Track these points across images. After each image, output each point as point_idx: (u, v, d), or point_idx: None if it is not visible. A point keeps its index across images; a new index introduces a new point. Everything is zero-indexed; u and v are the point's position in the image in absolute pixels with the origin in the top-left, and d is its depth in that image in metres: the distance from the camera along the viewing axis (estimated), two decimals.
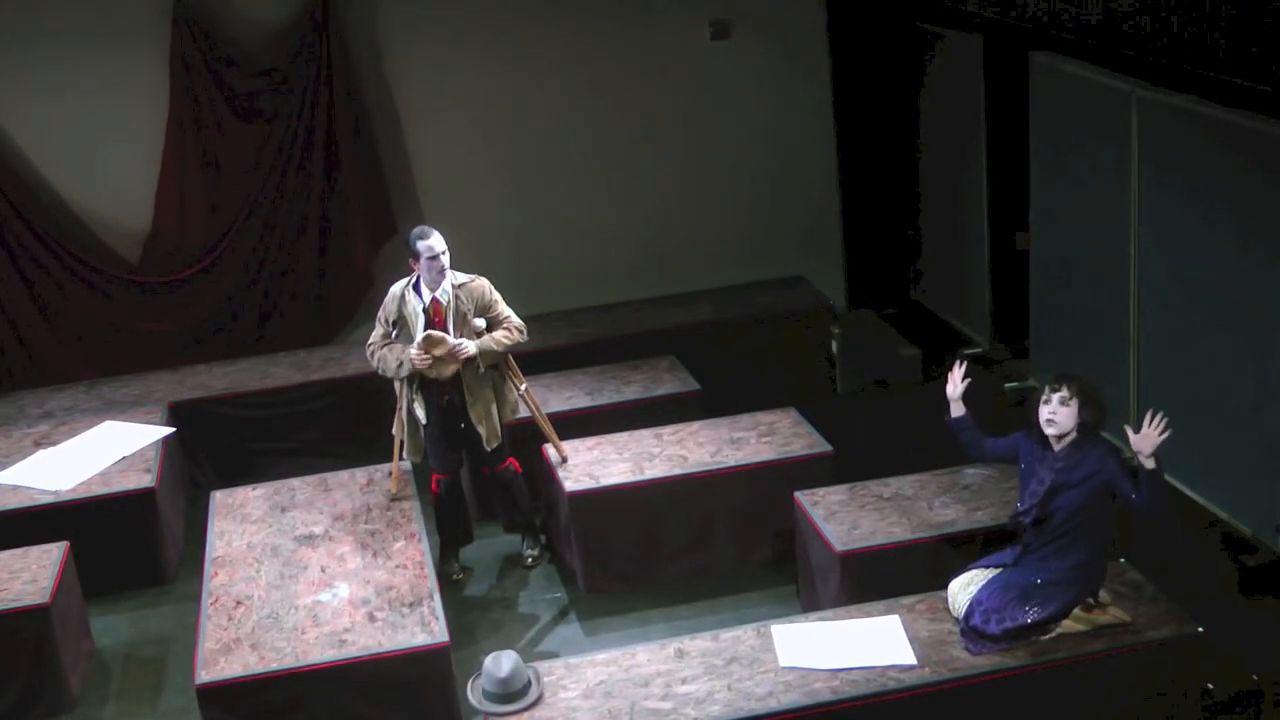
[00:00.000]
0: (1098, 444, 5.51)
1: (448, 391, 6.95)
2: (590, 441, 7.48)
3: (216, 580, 6.48)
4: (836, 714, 5.31)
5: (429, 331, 6.76)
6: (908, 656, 5.50)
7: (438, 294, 6.83)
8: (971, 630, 5.54)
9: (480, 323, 6.92)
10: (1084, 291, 7.98)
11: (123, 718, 6.54)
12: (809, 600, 6.73)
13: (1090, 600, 5.60)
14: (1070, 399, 5.49)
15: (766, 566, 7.22)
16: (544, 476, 7.48)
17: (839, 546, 6.31)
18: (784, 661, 5.53)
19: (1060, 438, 5.53)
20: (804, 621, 5.82)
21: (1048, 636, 5.51)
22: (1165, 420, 5.26)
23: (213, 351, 9.16)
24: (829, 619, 5.80)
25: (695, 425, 7.58)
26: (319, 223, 9.20)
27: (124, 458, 7.68)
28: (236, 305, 9.27)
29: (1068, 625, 5.54)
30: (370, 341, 7.03)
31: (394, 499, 7.10)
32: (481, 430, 6.99)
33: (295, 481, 7.39)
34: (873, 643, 5.59)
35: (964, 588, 5.69)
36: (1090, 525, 5.49)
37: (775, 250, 9.83)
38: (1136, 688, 5.52)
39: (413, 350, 6.76)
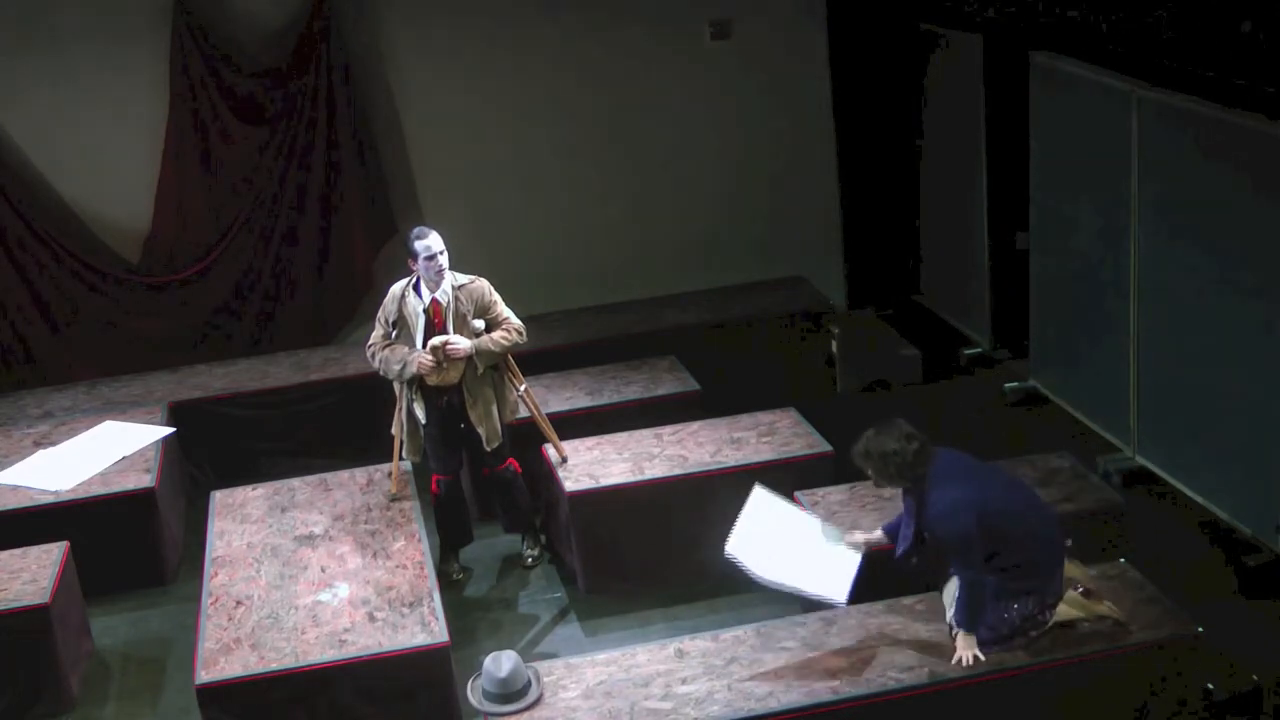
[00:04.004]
0: (938, 492, 5.38)
1: (447, 392, 6.96)
2: (590, 441, 7.47)
3: (216, 580, 6.48)
4: (836, 714, 5.31)
5: (432, 341, 6.77)
6: (841, 595, 5.54)
7: (437, 295, 6.83)
8: None
9: (480, 324, 6.92)
10: (1084, 291, 7.98)
11: (122, 718, 6.54)
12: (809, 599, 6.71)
13: (1086, 588, 5.57)
14: (870, 474, 5.52)
15: None
16: (544, 476, 7.48)
17: None
18: (730, 549, 5.61)
19: (905, 492, 5.56)
20: (781, 506, 5.93)
21: (1045, 627, 5.47)
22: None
23: (213, 351, 9.15)
24: (829, 617, 5.79)
25: (695, 425, 7.57)
26: (319, 223, 9.19)
27: (124, 458, 7.67)
28: (236, 305, 9.26)
29: (1064, 611, 5.49)
30: (370, 342, 7.03)
31: (394, 499, 7.10)
32: (481, 430, 6.99)
33: (295, 481, 7.39)
34: (822, 567, 5.64)
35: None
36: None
37: (775, 250, 9.82)
38: (1136, 688, 5.51)
39: (425, 359, 6.76)
